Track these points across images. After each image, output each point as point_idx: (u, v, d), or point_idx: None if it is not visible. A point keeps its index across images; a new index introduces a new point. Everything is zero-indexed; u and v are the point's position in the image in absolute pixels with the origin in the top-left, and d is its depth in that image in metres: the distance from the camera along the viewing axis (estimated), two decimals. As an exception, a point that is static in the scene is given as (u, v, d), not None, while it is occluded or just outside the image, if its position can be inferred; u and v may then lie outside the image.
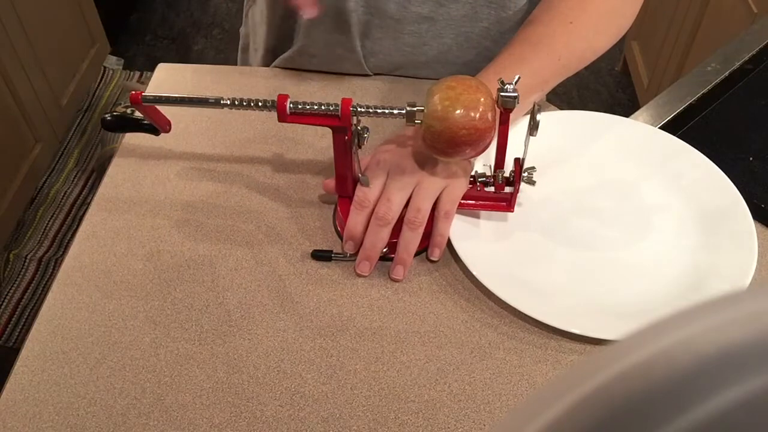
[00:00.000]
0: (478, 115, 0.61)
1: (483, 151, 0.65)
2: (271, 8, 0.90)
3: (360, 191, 0.68)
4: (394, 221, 0.67)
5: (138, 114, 0.72)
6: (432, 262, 0.70)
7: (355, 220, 0.68)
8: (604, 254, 0.70)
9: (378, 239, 0.67)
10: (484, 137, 0.63)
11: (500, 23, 0.84)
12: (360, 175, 0.69)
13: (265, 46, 0.94)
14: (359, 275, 0.69)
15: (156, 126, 0.74)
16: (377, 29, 0.84)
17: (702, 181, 0.74)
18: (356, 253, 0.69)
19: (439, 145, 0.63)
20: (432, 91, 0.63)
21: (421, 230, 0.67)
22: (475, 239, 0.70)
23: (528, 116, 0.63)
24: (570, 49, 0.74)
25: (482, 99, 0.61)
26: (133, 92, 0.67)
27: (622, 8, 0.77)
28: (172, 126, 0.77)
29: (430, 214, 0.67)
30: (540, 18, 0.75)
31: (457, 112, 0.61)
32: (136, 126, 0.74)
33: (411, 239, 0.67)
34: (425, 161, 0.68)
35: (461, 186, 0.69)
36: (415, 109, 0.63)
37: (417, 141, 0.69)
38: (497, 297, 0.65)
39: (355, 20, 0.83)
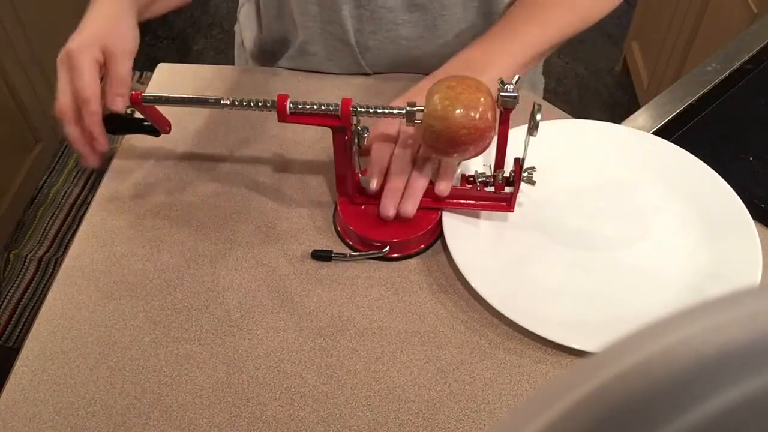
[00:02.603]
0: (478, 115, 0.61)
1: (483, 150, 0.65)
2: (260, 9, 0.91)
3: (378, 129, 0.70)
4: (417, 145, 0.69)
5: (138, 114, 0.72)
6: (428, 262, 0.70)
7: (382, 152, 0.69)
8: (604, 254, 0.70)
9: (406, 156, 0.69)
10: (484, 136, 0.63)
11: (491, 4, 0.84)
12: (361, 175, 0.69)
13: (255, 45, 0.96)
14: (360, 257, 0.69)
15: (156, 127, 0.74)
16: (369, 22, 0.84)
17: (702, 186, 0.73)
18: (356, 254, 0.69)
19: (440, 144, 0.63)
20: (432, 91, 0.63)
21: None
22: (474, 242, 0.70)
23: (528, 116, 0.63)
24: (565, 20, 0.76)
25: (482, 98, 0.61)
26: (134, 92, 0.67)
27: None
28: (172, 126, 0.76)
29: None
30: None
31: (457, 111, 0.61)
32: (137, 127, 0.74)
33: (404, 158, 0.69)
34: None
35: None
36: (415, 108, 0.63)
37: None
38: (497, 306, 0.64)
39: (347, 13, 0.83)
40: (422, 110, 0.63)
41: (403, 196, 0.68)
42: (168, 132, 0.76)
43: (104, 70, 0.67)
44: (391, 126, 0.70)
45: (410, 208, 0.68)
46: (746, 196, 0.71)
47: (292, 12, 0.86)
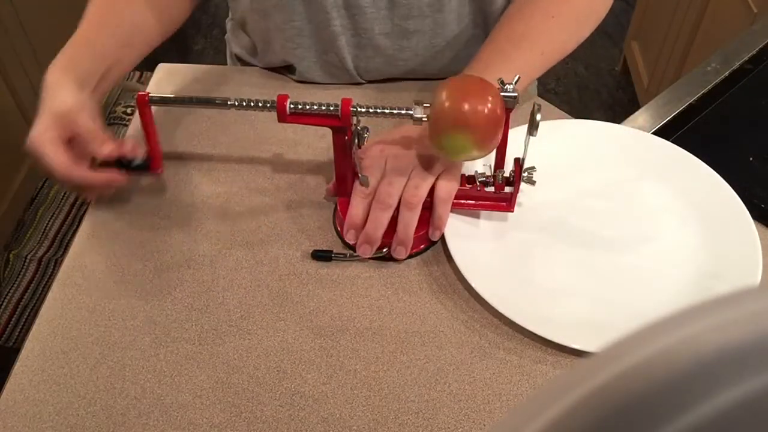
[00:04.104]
0: (485, 115, 0.61)
1: (490, 151, 0.65)
2: (248, 24, 0.91)
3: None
4: (395, 205, 0.67)
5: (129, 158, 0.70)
6: (428, 262, 0.70)
7: (357, 209, 0.68)
8: (604, 254, 0.70)
9: (379, 223, 0.67)
10: (491, 136, 0.63)
11: (485, 15, 0.84)
12: (360, 174, 0.69)
13: (240, 57, 0.96)
14: (360, 257, 0.69)
15: (148, 162, 0.72)
16: (367, 48, 0.84)
17: (702, 186, 0.73)
18: (356, 254, 0.69)
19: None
20: (439, 90, 0.62)
21: (418, 209, 0.67)
22: (474, 242, 0.70)
23: (528, 116, 0.63)
24: (552, 43, 0.75)
25: (490, 98, 0.61)
26: (140, 93, 0.67)
27: None
28: (172, 126, 0.76)
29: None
30: (521, 12, 0.76)
31: (464, 110, 0.61)
32: (128, 168, 0.71)
33: (410, 219, 0.67)
34: (422, 150, 0.69)
35: (457, 171, 0.70)
36: (420, 107, 0.63)
37: (418, 139, 0.69)
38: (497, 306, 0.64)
39: (343, 42, 0.83)
40: (428, 107, 0.63)
41: (393, 241, 0.68)
42: (160, 171, 0.74)
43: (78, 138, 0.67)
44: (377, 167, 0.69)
45: (402, 254, 0.68)
46: (746, 196, 0.71)
47: (284, 47, 0.85)
